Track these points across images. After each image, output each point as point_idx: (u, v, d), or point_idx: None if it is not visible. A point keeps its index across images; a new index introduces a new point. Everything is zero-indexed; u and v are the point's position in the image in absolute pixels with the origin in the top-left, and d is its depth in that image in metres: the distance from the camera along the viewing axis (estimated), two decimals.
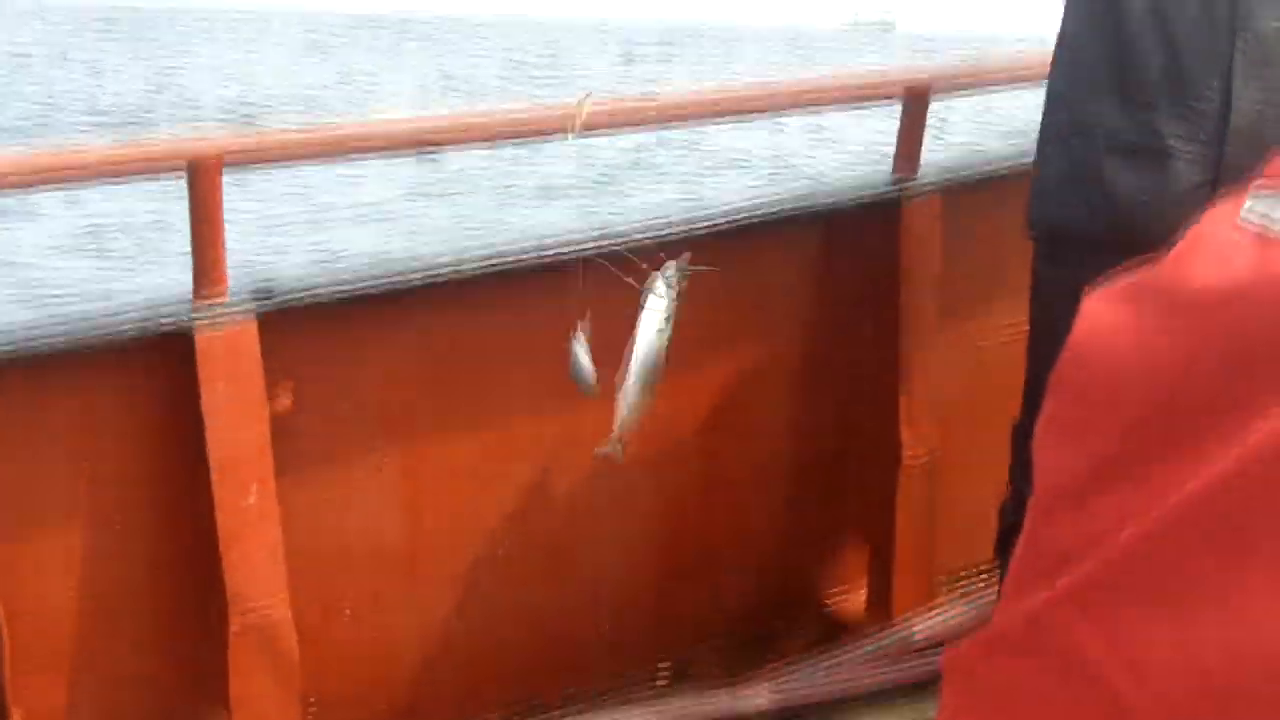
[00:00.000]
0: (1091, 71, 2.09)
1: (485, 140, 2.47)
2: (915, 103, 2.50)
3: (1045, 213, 2.19)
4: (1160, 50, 2.03)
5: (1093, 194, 2.09)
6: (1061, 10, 2.21)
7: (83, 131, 16.83)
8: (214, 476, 1.99)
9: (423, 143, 2.25)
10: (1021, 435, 2.23)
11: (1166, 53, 2.03)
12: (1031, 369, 2.24)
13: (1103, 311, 1.12)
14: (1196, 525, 0.97)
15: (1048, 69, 2.77)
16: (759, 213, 2.44)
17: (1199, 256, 1.09)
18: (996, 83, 2.73)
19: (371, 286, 2.13)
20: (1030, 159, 2.69)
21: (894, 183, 2.54)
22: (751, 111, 2.55)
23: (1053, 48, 2.23)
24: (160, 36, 48.47)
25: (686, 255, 2.00)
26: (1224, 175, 2.02)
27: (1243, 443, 0.93)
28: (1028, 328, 2.49)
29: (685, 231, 2.33)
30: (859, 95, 2.56)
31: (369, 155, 2.31)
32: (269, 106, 22.39)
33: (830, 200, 2.52)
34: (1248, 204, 0.99)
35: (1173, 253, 1.18)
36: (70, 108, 21.66)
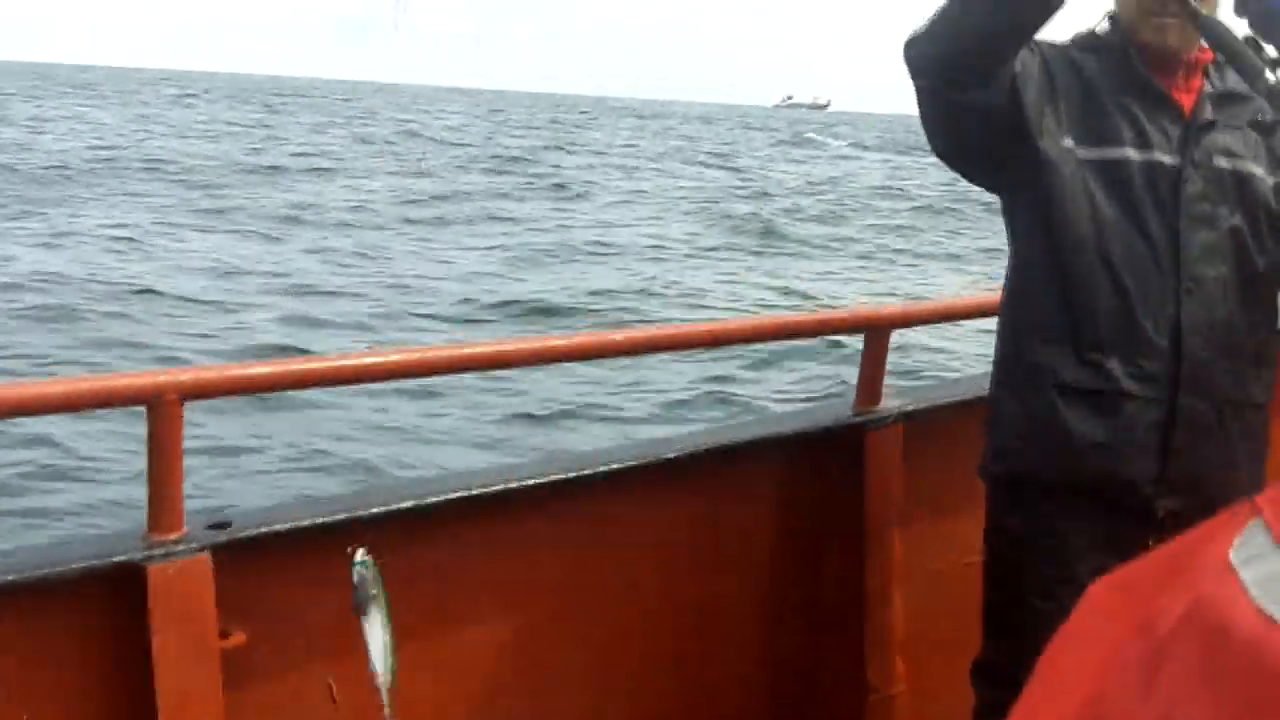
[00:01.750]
0: (1042, 321, 2.14)
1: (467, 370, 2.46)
2: (876, 336, 2.54)
3: (1003, 458, 2.22)
4: (1110, 299, 2.10)
5: (1050, 440, 2.13)
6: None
7: None
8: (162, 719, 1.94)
9: (397, 374, 2.24)
10: (981, 673, 2.26)
11: (1117, 302, 2.10)
12: (990, 608, 2.27)
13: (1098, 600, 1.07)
14: None
15: (996, 304, 2.84)
16: (723, 443, 2.46)
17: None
18: (955, 318, 2.78)
19: (329, 519, 2.10)
20: (987, 388, 2.75)
21: (856, 414, 2.57)
22: (720, 345, 2.58)
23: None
24: None
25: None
26: (1178, 417, 2.11)
27: None
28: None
29: (654, 458, 2.34)
30: (820, 330, 2.61)
31: (337, 387, 2.30)
32: None
33: (794, 431, 2.55)
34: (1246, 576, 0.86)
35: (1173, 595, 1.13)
36: None
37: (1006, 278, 2.26)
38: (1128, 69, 2.16)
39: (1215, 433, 2.14)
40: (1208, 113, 2.17)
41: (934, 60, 2.03)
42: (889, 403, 2.60)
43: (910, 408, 2.62)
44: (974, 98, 2.06)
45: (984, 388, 2.77)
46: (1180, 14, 2.05)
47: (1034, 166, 2.11)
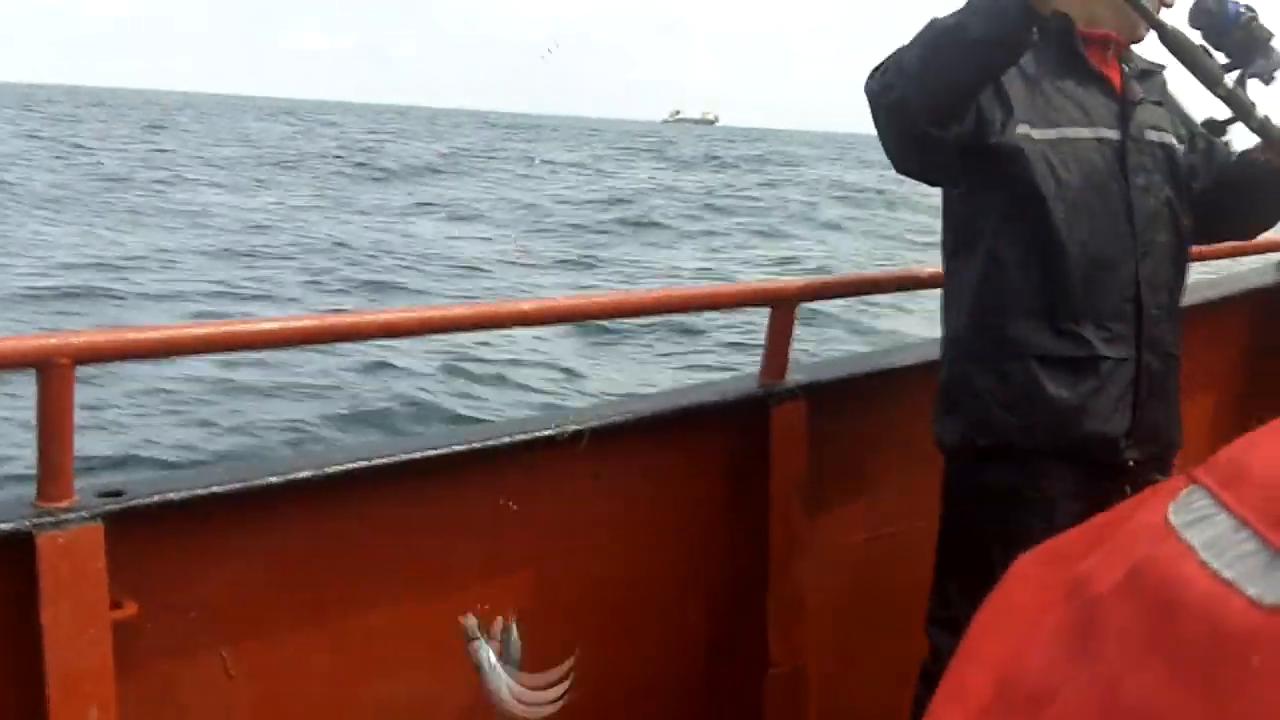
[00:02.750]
0: (1015, 297, 2.27)
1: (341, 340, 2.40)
2: (781, 309, 2.55)
3: (986, 429, 2.32)
4: (1081, 270, 2.24)
5: (1035, 408, 2.27)
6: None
7: None
8: (50, 694, 1.87)
9: (295, 341, 2.18)
10: (948, 627, 2.33)
11: (1087, 272, 2.25)
12: (960, 566, 2.37)
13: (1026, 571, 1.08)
14: None
15: (903, 282, 2.89)
16: (627, 416, 2.44)
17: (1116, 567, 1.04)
18: (860, 292, 2.81)
19: (225, 488, 2.04)
20: (891, 365, 2.78)
21: (760, 387, 2.57)
22: (621, 317, 2.57)
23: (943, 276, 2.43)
24: None
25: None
26: (1142, 374, 2.30)
27: None
28: (899, 526, 2.59)
29: (556, 432, 2.31)
30: (726, 302, 2.60)
31: (236, 352, 2.23)
32: None
33: (698, 404, 2.54)
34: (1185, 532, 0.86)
35: (1099, 554, 1.15)
36: None
37: (962, 262, 2.36)
38: (1065, 51, 2.30)
39: (1164, 384, 2.34)
40: (1136, 89, 2.34)
41: (914, 108, 2.14)
42: (794, 376, 2.61)
43: (815, 381, 2.63)
44: (950, 130, 2.18)
45: (889, 361, 2.81)
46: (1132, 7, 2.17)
47: (998, 159, 2.23)
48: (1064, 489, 2.28)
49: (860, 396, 2.72)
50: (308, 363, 9.08)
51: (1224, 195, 2.46)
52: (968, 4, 2.09)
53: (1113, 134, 2.29)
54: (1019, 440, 2.28)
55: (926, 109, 2.14)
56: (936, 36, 2.10)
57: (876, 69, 2.18)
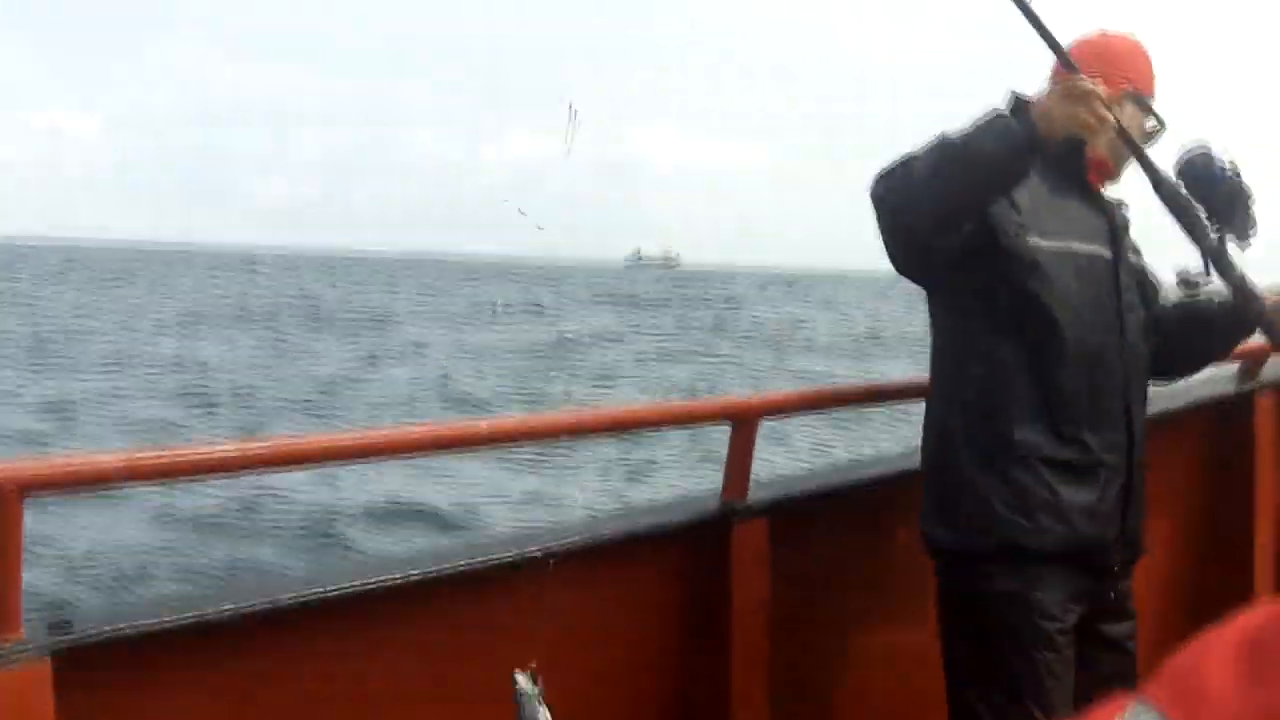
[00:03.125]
0: (1018, 402, 2.32)
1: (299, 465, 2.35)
2: (743, 427, 2.54)
3: (990, 531, 2.33)
4: (1082, 379, 2.32)
5: (1041, 510, 2.30)
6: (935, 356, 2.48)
7: None
8: None
9: (251, 465, 2.13)
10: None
11: (1087, 381, 2.33)
12: (958, 677, 2.39)
13: None
14: None
15: (867, 395, 2.89)
16: (589, 539, 2.40)
17: None
18: (824, 405, 2.80)
19: (178, 621, 1.98)
20: (854, 480, 2.76)
21: (722, 506, 2.55)
22: (585, 435, 2.55)
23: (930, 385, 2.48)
24: None
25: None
26: (1133, 479, 2.38)
27: None
28: (866, 644, 2.55)
29: (517, 556, 2.27)
30: (687, 419, 2.59)
31: (194, 480, 2.18)
32: None
33: (660, 525, 2.51)
34: None
35: None
36: None
37: (957, 364, 2.40)
38: (1069, 168, 2.40)
39: (1142, 491, 2.43)
40: (1121, 213, 2.48)
41: (920, 215, 2.23)
42: (756, 494, 2.58)
43: (777, 499, 2.61)
44: (958, 238, 2.28)
45: (852, 476, 2.79)
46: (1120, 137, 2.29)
47: (1006, 263, 2.31)
48: (1064, 592, 2.33)
49: (824, 514, 2.70)
50: (263, 488, 8.99)
51: (1175, 336, 2.59)
52: (979, 125, 2.19)
53: (1106, 252, 2.40)
54: (1026, 543, 2.31)
55: (932, 217, 2.23)
56: (947, 152, 2.19)
57: (882, 174, 2.26)
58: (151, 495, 8.33)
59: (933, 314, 2.48)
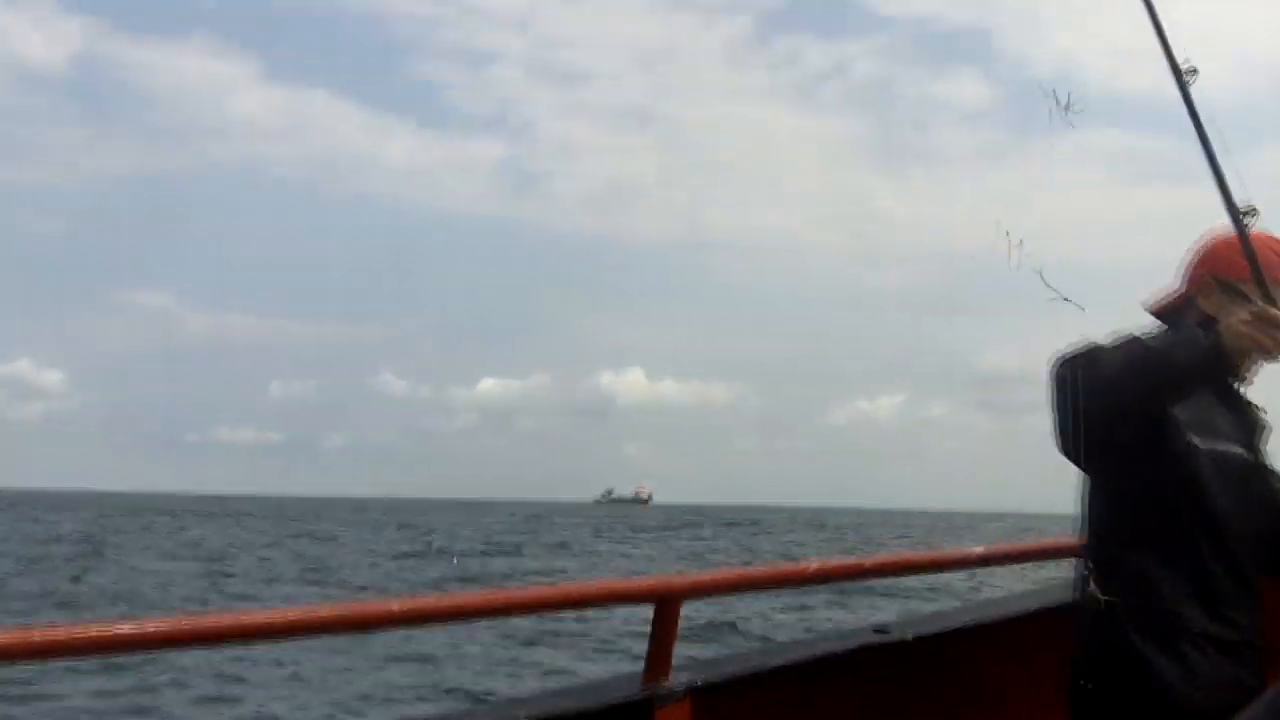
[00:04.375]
0: (1183, 585, 2.50)
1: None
2: (667, 608, 2.53)
3: (1161, 704, 2.46)
4: (1227, 565, 2.53)
5: (1215, 688, 2.45)
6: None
7: None
8: None
9: (197, 640, 2.08)
10: None
11: (1231, 567, 2.53)
12: None
13: None
14: None
15: (794, 574, 2.89)
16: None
17: None
18: (745, 588, 2.80)
19: None
20: (784, 659, 2.73)
21: (644, 688, 2.51)
22: (504, 614, 2.52)
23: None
24: None
25: None
26: (1261, 659, 2.57)
27: None
28: None
29: None
30: (613, 599, 2.58)
31: (131, 653, 2.12)
32: None
33: (578, 710, 2.46)
34: None
35: None
36: None
37: (1122, 547, 2.55)
38: (1224, 376, 2.59)
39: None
40: (1261, 416, 2.71)
41: (1103, 407, 2.42)
42: (679, 676, 2.55)
43: (700, 682, 2.58)
44: (1133, 431, 2.48)
45: (777, 657, 2.75)
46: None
47: (1166, 460, 2.51)
48: None
49: (750, 694, 2.66)
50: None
51: None
52: (1175, 339, 2.47)
53: (1248, 454, 2.62)
54: (1184, 709, 2.44)
55: (1119, 409, 2.43)
56: (1142, 357, 2.45)
57: (1067, 358, 2.48)
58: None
59: (1091, 499, 2.64)
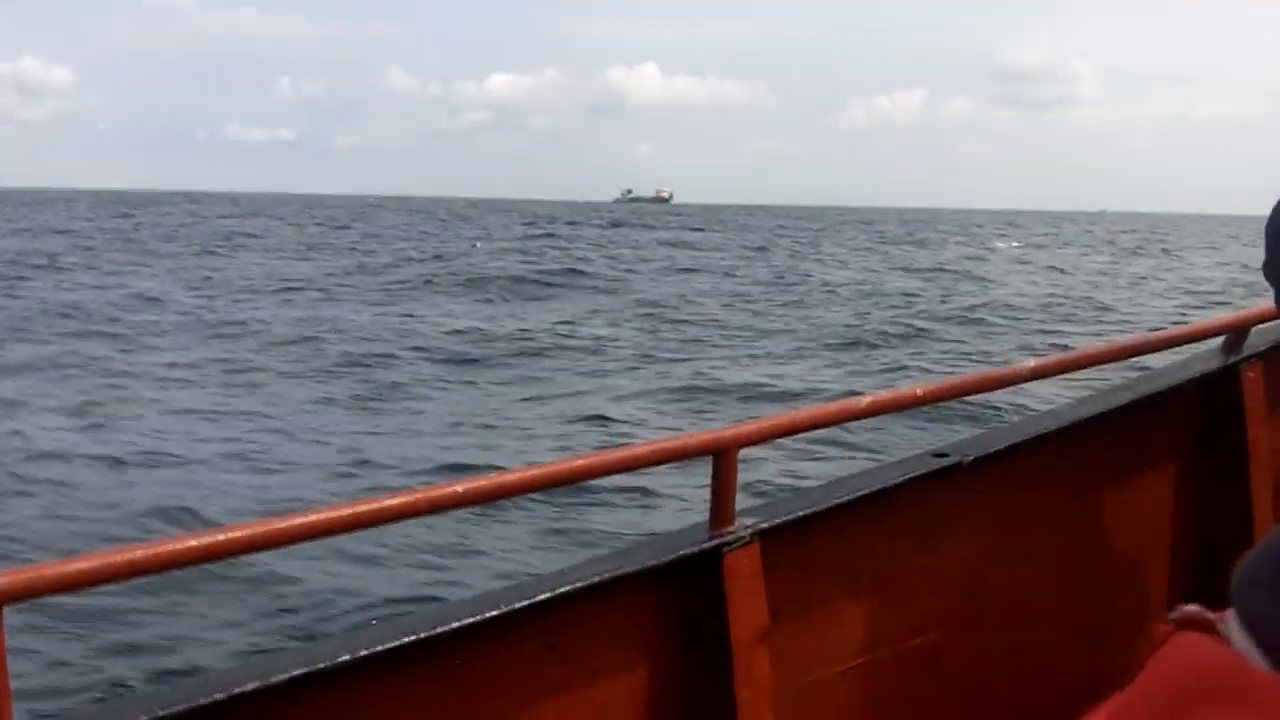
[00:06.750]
0: None
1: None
2: (723, 457, 2.52)
3: None
4: None
5: None
6: None
7: None
8: None
9: (243, 548, 2.07)
10: None
11: None
12: None
13: None
14: None
15: (845, 411, 2.85)
16: (574, 584, 2.38)
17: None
18: (799, 431, 2.78)
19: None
20: (850, 492, 2.74)
21: (711, 537, 2.54)
22: (563, 484, 2.51)
23: None
24: None
25: None
26: None
27: None
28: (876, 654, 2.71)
29: (505, 608, 2.26)
30: (668, 456, 2.57)
31: (172, 570, 2.11)
32: None
33: (648, 564, 2.49)
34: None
35: None
36: None
37: None
38: None
39: None
40: None
41: None
42: (743, 521, 2.57)
43: (764, 525, 2.60)
44: None
45: (843, 492, 2.76)
46: None
47: None
48: None
49: (816, 532, 2.68)
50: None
51: None
52: None
53: None
54: None
55: None
56: None
57: None
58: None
59: None
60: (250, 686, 1.99)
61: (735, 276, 39.18)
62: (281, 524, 1.98)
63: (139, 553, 1.89)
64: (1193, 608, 1.07)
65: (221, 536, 1.94)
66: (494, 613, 2.26)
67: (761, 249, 58.51)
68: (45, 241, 50.91)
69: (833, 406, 2.80)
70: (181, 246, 49.35)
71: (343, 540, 7.32)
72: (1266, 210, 1.39)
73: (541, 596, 2.32)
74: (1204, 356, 3.43)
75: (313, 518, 2.02)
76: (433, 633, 2.19)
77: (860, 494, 2.76)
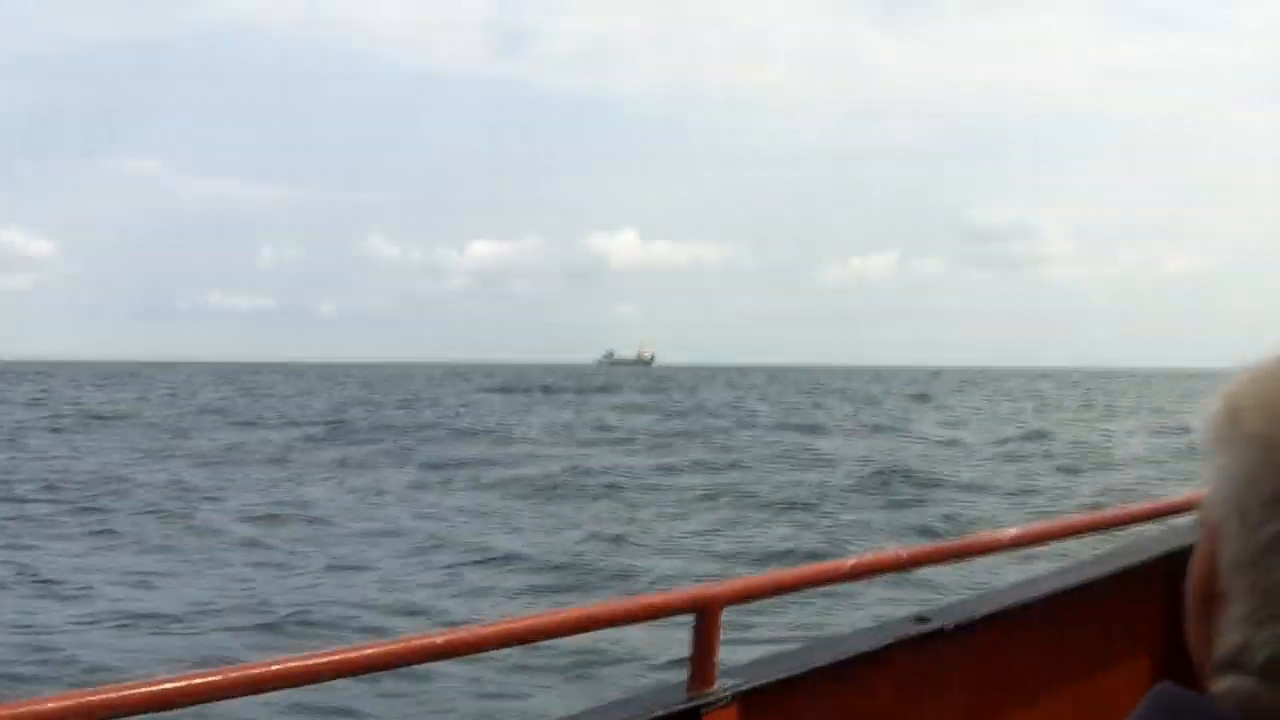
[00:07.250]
0: None
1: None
2: (706, 617, 2.50)
3: None
4: None
5: None
6: None
7: None
8: None
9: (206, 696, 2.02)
10: None
11: None
12: None
13: None
14: None
15: (830, 572, 2.87)
16: None
17: None
18: (783, 591, 2.78)
19: None
20: (828, 658, 2.72)
21: (689, 697, 2.50)
22: (543, 639, 2.48)
23: None
24: None
25: None
26: None
27: None
28: None
29: None
30: (649, 613, 2.55)
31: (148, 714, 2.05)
32: None
33: (624, 718, 2.45)
34: None
35: None
36: None
37: None
38: None
39: None
40: None
41: None
42: (723, 682, 2.54)
43: (745, 687, 2.56)
44: None
45: (812, 659, 2.74)
46: None
47: None
48: None
49: (797, 694, 2.65)
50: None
51: None
52: None
53: None
54: None
55: None
56: None
57: None
58: None
59: None
60: None
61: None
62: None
63: (108, 694, 1.83)
64: None
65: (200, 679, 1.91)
66: None
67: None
68: None
69: (818, 567, 2.83)
70: None
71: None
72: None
73: None
74: (1181, 530, 3.46)
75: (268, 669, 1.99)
76: None
77: (843, 657, 2.75)
